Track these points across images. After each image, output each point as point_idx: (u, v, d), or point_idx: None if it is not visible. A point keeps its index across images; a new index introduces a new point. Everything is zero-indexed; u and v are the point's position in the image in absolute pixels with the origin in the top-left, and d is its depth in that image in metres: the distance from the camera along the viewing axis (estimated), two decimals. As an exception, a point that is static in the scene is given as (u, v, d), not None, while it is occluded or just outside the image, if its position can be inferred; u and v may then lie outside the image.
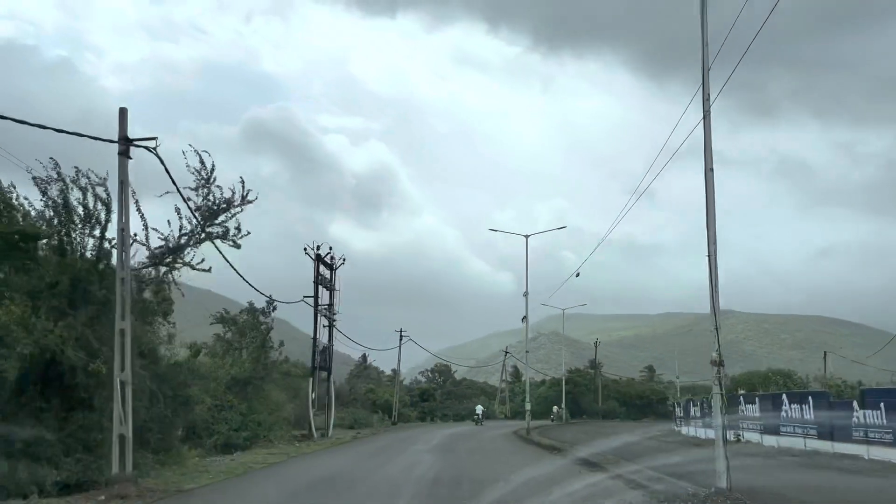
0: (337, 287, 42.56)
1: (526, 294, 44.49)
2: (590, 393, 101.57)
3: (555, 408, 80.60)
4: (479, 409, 75.88)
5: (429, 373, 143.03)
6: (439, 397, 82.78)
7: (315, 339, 39.73)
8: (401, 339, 64.84)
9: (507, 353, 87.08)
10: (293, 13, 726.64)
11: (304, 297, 40.02)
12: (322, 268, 41.78)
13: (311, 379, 39.35)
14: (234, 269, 25.52)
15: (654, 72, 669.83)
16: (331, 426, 41.83)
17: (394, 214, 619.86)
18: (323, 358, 40.65)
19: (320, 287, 41.76)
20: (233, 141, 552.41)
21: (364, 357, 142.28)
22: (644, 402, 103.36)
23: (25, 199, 18.10)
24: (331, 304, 42.49)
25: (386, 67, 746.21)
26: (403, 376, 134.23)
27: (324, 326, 42.46)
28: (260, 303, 39.16)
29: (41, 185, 17.77)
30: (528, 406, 47.11)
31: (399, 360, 65.87)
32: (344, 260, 43.34)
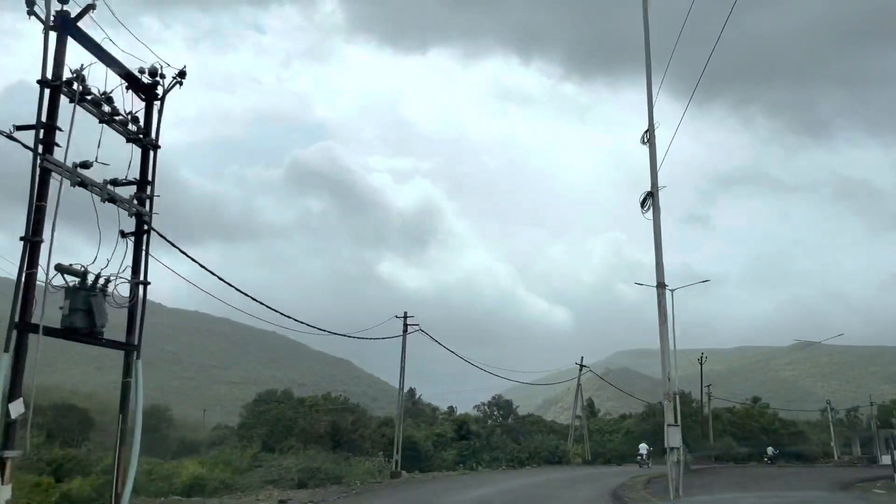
0: (160, 142, 15.60)
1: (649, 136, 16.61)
2: (696, 426, 71.45)
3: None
4: (644, 447, 52.39)
5: (485, 407, 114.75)
6: (487, 434, 54.69)
7: (29, 240, 12.78)
8: (405, 329, 36.44)
9: (582, 366, 57.53)
10: (331, 55, 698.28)
11: (15, 127, 13.51)
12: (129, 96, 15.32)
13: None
14: None
15: (697, 96, 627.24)
16: (127, 491, 14.34)
17: (445, 252, 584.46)
18: (82, 298, 13.60)
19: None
20: (280, 183, 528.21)
21: (412, 391, 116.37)
22: (772, 438, 72.50)
23: None
24: (146, 182, 15.42)
25: (425, 104, 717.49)
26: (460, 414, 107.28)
27: (126, 237, 15.42)
28: None
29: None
30: (670, 435, 17.76)
31: (403, 360, 36.58)
32: (181, 78, 16.21)
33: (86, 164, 14.03)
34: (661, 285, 17.88)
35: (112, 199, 14.89)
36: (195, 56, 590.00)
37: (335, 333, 33.35)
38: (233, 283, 20.87)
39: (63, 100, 13.45)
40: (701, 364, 70.42)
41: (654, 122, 17.59)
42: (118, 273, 14.78)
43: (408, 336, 38.83)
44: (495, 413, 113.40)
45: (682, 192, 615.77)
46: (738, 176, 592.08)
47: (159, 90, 16.32)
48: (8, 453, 11.77)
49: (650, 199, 16.76)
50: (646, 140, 16.70)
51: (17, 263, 12.75)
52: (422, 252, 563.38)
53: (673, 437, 19.92)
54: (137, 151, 16.02)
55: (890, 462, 34.77)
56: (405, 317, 36.08)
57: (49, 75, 13.35)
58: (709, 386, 70.61)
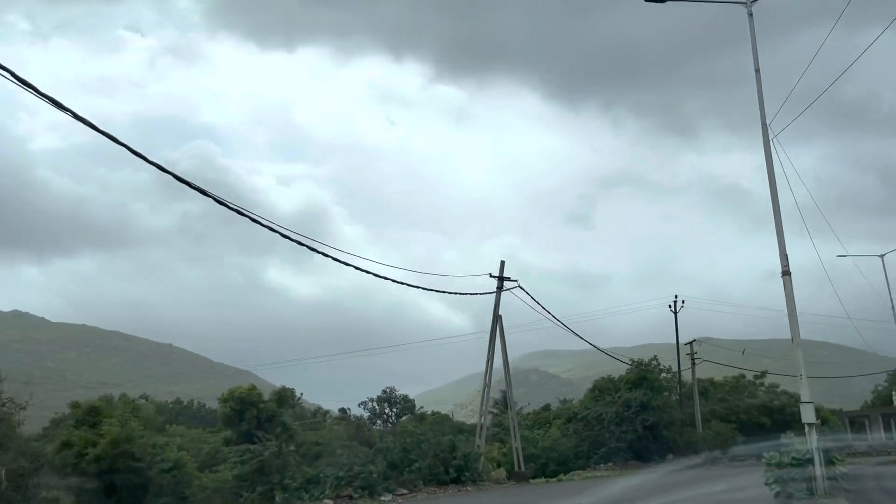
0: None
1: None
2: (670, 410, 43.31)
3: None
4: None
5: (373, 403, 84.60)
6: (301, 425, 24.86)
7: None
8: None
9: (503, 278, 26.84)
10: (196, 54, 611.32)
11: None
12: None
13: None
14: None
15: (567, 97, 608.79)
16: None
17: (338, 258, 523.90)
18: None
19: None
20: (152, 187, 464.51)
21: (291, 391, 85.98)
22: (778, 420, 45.50)
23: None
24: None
25: (311, 106, 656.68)
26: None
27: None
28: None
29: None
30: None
31: None
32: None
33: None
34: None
35: None
36: (64, 54, 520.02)
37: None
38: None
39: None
40: (675, 312, 42.89)
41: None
42: None
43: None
44: (386, 411, 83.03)
45: (564, 192, 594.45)
46: (615, 177, 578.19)
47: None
48: None
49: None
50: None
51: None
52: (311, 258, 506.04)
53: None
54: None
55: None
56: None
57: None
58: (692, 343, 42.72)
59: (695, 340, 42.09)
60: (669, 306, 43.83)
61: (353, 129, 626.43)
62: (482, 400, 26.48)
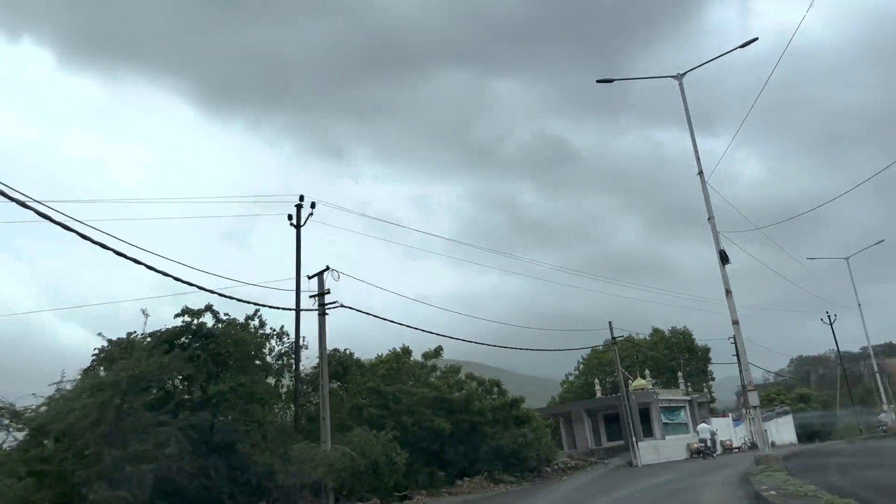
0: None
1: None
2: (266, 405, 21.38)
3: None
4: (708, 429, 34.08)
5: None
6: None
7: None
8: None
9: None
10: None
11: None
12: None
13: None
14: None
15: (217, 109, 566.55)
16: None
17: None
18: None
19: None
20: None
21: None
22: (462, 422, 26.52)
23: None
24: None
25: None
26: None
27: None
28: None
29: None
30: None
31: None
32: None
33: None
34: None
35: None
36: None
37: None
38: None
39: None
40: (298, 226, 21.77)
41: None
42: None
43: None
44: None
45: (220, 208, 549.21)
46: (271, 197, 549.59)
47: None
48: None
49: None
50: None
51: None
52: None
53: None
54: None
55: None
56: None
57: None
58: (321, 273, 21.27)
59: (328, 268, 20.66)
60: (289, 216, 22.34)
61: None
62: None
